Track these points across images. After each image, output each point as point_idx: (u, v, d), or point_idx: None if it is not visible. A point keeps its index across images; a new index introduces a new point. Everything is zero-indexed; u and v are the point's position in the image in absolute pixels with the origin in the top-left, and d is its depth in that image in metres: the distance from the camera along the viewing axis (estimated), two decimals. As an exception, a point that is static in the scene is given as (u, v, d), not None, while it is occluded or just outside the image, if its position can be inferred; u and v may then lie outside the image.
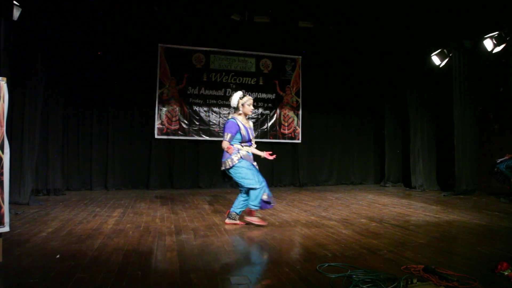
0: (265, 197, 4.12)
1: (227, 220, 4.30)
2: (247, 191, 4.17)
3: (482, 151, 7.28)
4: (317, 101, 9.19)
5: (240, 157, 4.11)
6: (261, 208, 4.19)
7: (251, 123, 4.40)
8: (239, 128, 4.13)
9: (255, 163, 4.26)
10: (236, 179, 4.16)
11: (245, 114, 4.28)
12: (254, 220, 4.21)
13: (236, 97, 4.27)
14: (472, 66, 7.24)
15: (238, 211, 4.28)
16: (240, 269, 2.78)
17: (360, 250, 3.20)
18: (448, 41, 7.43)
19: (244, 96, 4.29)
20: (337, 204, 5.99)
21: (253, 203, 4.11)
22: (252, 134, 4.28)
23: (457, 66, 7.33)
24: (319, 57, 9.13)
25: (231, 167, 4.12)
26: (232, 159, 4.10)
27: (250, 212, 4.23)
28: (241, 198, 4.26)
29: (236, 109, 4.29)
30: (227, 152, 4.12)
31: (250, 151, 4.23)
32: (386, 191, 7.94)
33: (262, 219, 4.36)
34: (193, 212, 5.14)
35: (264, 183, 4.14)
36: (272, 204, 4.24)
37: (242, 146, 4.19)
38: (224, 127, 4.21)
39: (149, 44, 8.07)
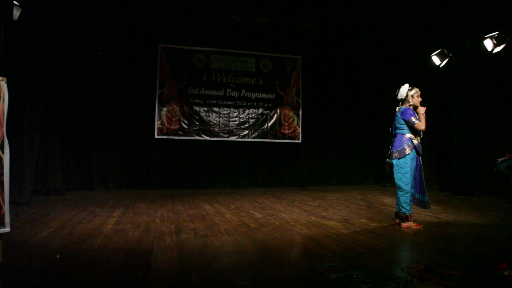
0: (419, 204, 4.22)
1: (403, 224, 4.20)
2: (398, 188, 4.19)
3: (482, 151, 7.28)
4: (317, 101, 9.19)
5: (413, 148, 4.15)
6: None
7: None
8: (415, 114, 4.17)
9: (420, 158, 4.27)
10: (395, 172, 4.19)
11: (414, 106, 4.31)
12: (411, 225, 4.14)
13: (404, 89, 4.33)
14: (472, 66, 7.24)
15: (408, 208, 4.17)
16: (240, 269, 2.78)
17: (360, 250, 3.20)
18: (448, 41, 7.42)
19: (412, 88, 4.34)
20: (337, 204, 5.99)
21: (403, 206, 4.13)
22: None
23: (457, 66, 7.33)
24: (319, 57, 9.13)
25: (400, 158, 4.14)
26: (404, 149, 4.14)
27: (406, 218, 4.17)
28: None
29: (404, 101, 4.34)
30: (402, 140, 4.17)
31: (420, 142, 4.25)
32: (386, 191, 7.93)
33: (418, 222, 4.27)
34: (193, 212, 5.14)
35: (413, 190, 4.19)
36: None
37: (414, 136, 4.23)
38: (404, 116, 4.20)
39: (149, 44, 8.07)
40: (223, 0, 7.13)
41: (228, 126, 8.59)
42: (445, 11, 6.92)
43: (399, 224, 4.25)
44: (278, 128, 8.90)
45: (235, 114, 8.64)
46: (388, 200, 6.54)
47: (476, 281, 2.36)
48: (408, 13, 7.21)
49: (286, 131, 8.96)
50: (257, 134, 8.76)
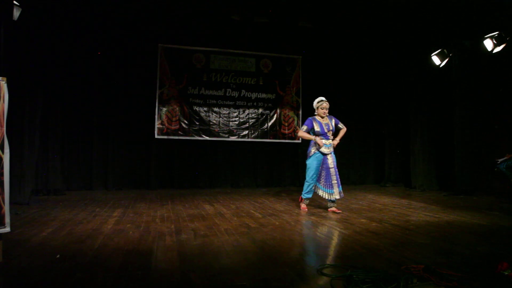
0: (325, 196, 5.19)
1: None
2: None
3: (482, 151, 7.28)
4: (317, 101, 9.17)
5: (316, 150, 5.09)
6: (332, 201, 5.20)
7: (329, 120, 5.20)
8: (312, 125, 5.09)
9: (330, 157, 5.11)
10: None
11: (319, 115, 5.17)
12: (302, 206, 5.35)
13: (315, 102, 5.22)
14: (472, 66, 7.24)
15: (308, 196, 5.36)
16: (240, 269, 2.78)
17: (360, 250, 3.20)
18: (448, 41, 7.42)
19: (319, 101, 5.18)
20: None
21: (303, 192, 5.32)
22: (328, 129, 5.11)
23: (457, 66, 7.33)
24: (319, 57, 9.13)
25: (307, 157, 5.18)
26: (310, 151, 5.19)
27: (300, 199, 5.45)
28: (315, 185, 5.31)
29: (315, 110, 5.23)
30: (310, 144, 5.19)
31: (328, 143, 5.10)
32: (386, 191, 7.93)
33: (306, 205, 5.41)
34: (193, 212, 5.14)
35: (314, 182, 5.20)
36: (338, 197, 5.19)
37: (321, 139, 5.08)
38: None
39: (149, 44, 8.07)
40: (223, 0, 7.13)
41: (228, 126, 8.59)
42: (445, 11, 6.91)
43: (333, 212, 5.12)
44: (278, 128, 8.90)
45: (235, 114, 8.64)
46: (388, 200, 6.54)
47: (476, 281, 2.36)
48: (408, 13, 7.20)
49: (286, 131, 8.96)
50: (257, 134, 8.76)
